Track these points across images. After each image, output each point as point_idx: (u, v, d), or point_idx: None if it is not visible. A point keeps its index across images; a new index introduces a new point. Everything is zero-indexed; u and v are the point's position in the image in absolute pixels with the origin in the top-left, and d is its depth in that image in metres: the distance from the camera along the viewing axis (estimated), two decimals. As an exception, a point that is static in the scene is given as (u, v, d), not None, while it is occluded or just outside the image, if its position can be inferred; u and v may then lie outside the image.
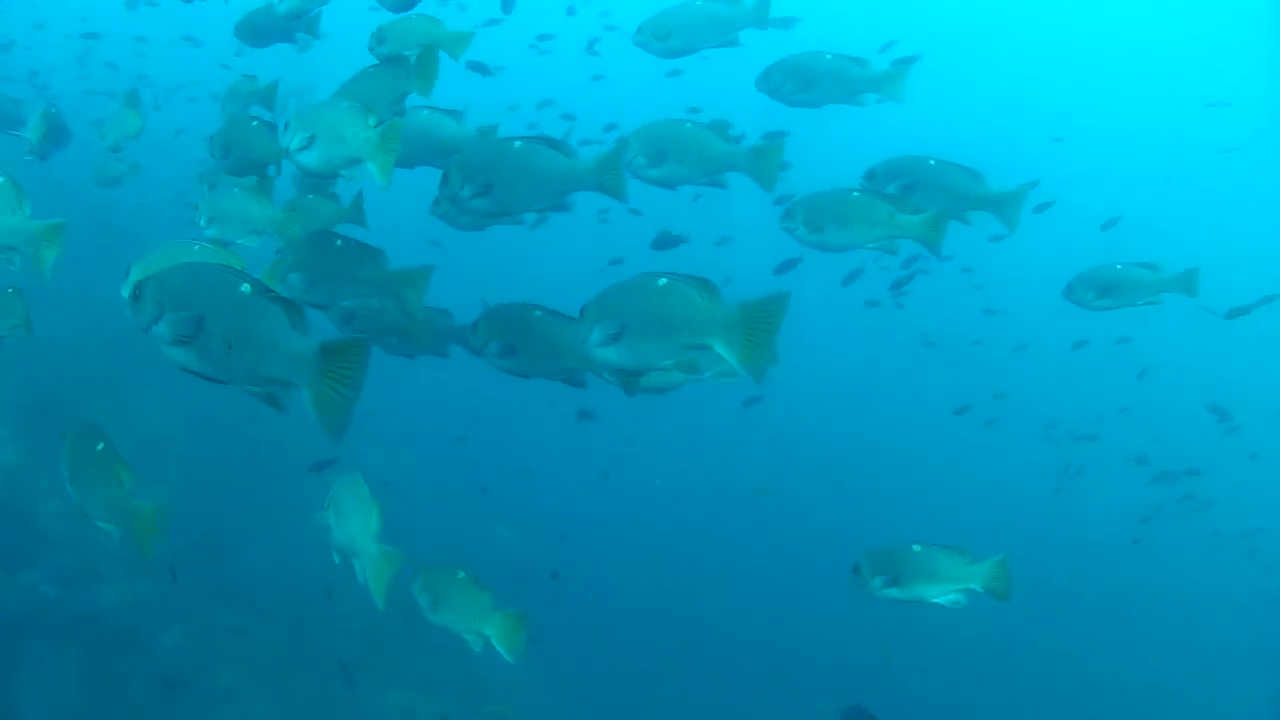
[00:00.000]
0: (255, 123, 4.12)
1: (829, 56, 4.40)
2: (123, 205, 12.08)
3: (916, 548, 3.80)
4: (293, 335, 2.35)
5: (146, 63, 15.42)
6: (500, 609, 3.79)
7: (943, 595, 3.79)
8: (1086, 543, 15.04)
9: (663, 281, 2.86)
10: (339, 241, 3.63)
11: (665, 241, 7.59)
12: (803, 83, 4.38)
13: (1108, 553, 15.10)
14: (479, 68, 7.70)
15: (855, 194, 3.98)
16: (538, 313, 3.45)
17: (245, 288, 2.32)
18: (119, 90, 14.23)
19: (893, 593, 3.80)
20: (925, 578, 3.77)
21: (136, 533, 2.99)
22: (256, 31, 5.03)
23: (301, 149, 3.42)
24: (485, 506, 11.47)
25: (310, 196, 4.41)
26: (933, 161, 4.13)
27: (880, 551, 3.83)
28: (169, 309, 2.31)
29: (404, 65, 3.83)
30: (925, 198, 4.07)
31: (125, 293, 2.87)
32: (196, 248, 3.08)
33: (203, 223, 4.00)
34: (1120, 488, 15.16)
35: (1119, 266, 4.85)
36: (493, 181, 3.44)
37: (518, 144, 3.46)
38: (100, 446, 3.03)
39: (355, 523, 3.63)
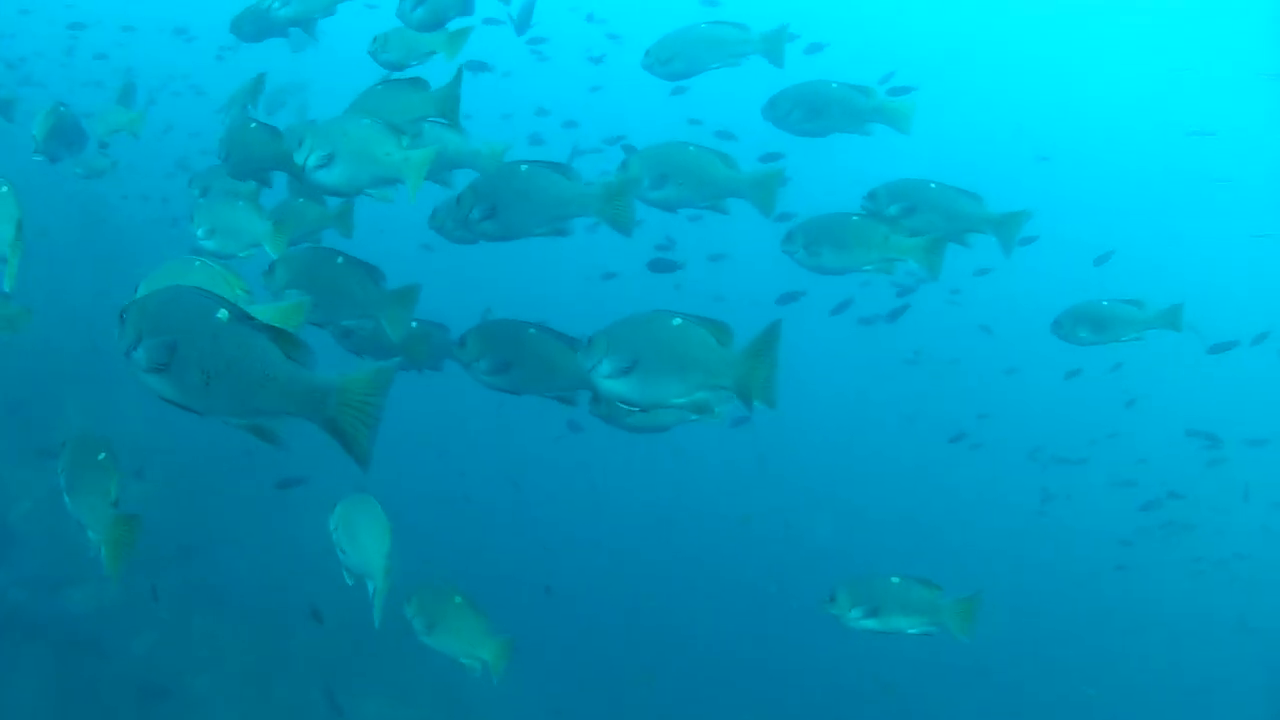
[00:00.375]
0: (254, 125, 4.07)
1: (835, 86, 4.40)
2: (106, 199, 11.91)
3: (895, 579, 3.78)
4: (291, 367, 2.23)
5: (135, 54, 15.21)
6: (495, 634, 3.77)
7: (916, 627, 3.79)
8: (1072, 566, 15.06)
9: (677, 321, 2.90)
10: (339, 260, 3.59)
11: (662, 265, 7.65)
12: (810, 112, 4.41)
13: (1091, 576, 15.12)
14: (478, 66, 7.58)
15: (854, 218, 4.02)
16: (531, 330, 3.45)
17: (222, 314, 2.21)
18: (106, 81, 14.08)
19: (870, 624, 3.77)
20: (902, 610, 3.75)
21: (108, 545, 2.93)
22: (251, 27, 4.98)
23: (320, 167, 3.37)
24: (470, 517, 11.34)
25: (300, 200, 4.37)
26: (933, 185, 4.15)
27: (858, 581, 3.81)
28: (146, 334, 2.21)
29: (423, 87, 3.76)
30: (925, 220, 4.09)
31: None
32: (198, 264, 2.99)
33: (200, 234, 3.96)
34: (1105, 512, 15.16)
35: (1105, 303, 4.97)
36: (498, 204, 3.47)
37: (524, 168, 3.49)
38: (102, 456, 3.01)
39: (369, 544, 3.60)
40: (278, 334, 2.24)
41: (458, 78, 3.71)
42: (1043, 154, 20.76)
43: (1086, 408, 15.66)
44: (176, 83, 14.94)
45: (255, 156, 4.00)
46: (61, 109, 4.90)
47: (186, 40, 14.37)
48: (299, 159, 3.37)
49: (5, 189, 3.38)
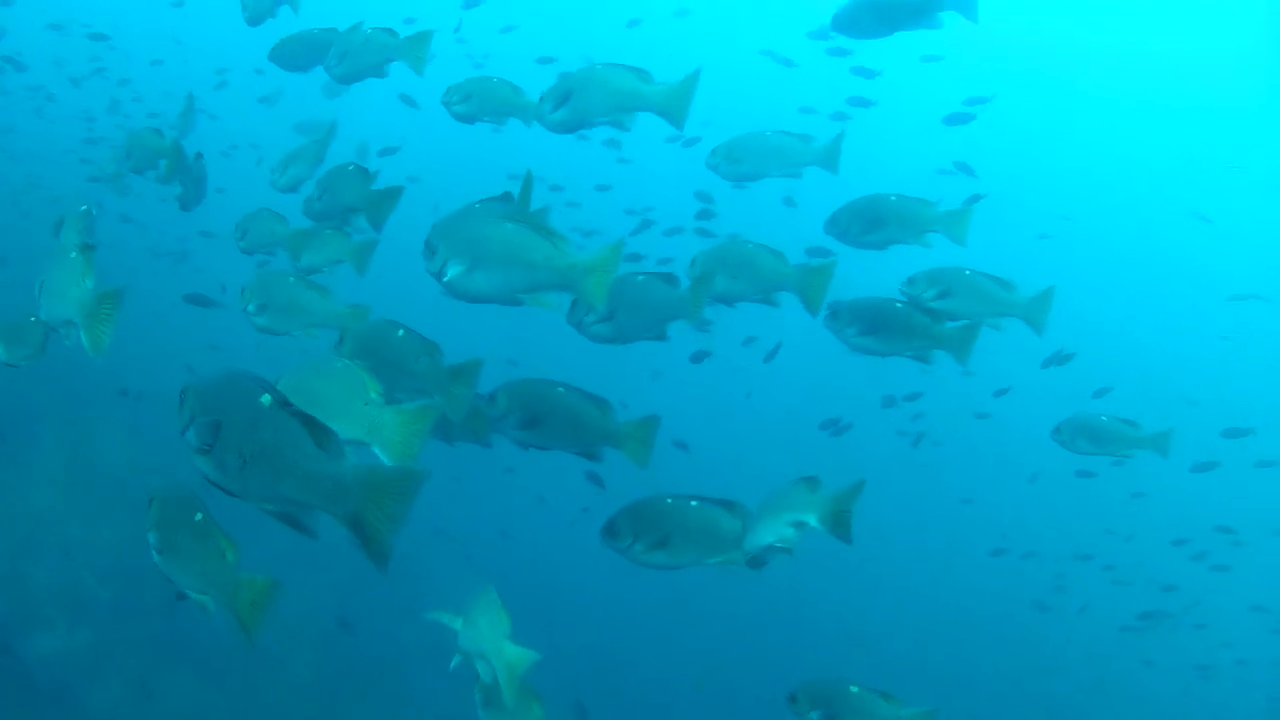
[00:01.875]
0: (351, 167, 4.25)
1: (894, 198, 4.51)
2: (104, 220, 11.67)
3: (854, 688, 3.95)
4: (319, 457, 2.21)
5: (160, 83, 15.15)
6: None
7: None
8: (1072, 661, 14.80)
9: (796, 481, 3.53)
10: (400, 332, 3.60)
11: (699, 356, 9.03)
12: (869, 224, 4.48)
13: (1097, 670, 14.85)
14: None
15: (898, 305, 4.23)
16: (560, 389, 3.62)
17: (265, 399, 2.23)
18: (125, 105, 13.95)
19: None
20: (858, 717, 3.91)
21: (241, 608, 2.92)
22: (290, 58, 5.10)
23: (462, 275, 3.25)
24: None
25: (328, 231, 4.46)
26: (968, 271, 4.32)
27: (818, 685, 3.98)
28: (198, 415, 2.26)
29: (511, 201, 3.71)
30: (960, 304, 4.27)
31: None
32: (339, 365, 2.98)
33: (251, 309, 4.02)
34: (1106, 611, 14.86)
35: (1104, 418, 5.49)
36: (615, 310, 3.65)
37: (640, 278, 3.77)
38: (199, 517, 2.95)
39: (484, 624, 3.70)
40: (313, 424, 2.22)
41: (528, 184, 3.66)
42: (1042, 231, 20.74)
43: (1093, 503, 15.42)
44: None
45: (349, 198, 4.21)
46: (202, 160, 4.98)
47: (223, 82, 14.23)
48: (431, 268, 3.21)
49: (74, 254, 3.33)
